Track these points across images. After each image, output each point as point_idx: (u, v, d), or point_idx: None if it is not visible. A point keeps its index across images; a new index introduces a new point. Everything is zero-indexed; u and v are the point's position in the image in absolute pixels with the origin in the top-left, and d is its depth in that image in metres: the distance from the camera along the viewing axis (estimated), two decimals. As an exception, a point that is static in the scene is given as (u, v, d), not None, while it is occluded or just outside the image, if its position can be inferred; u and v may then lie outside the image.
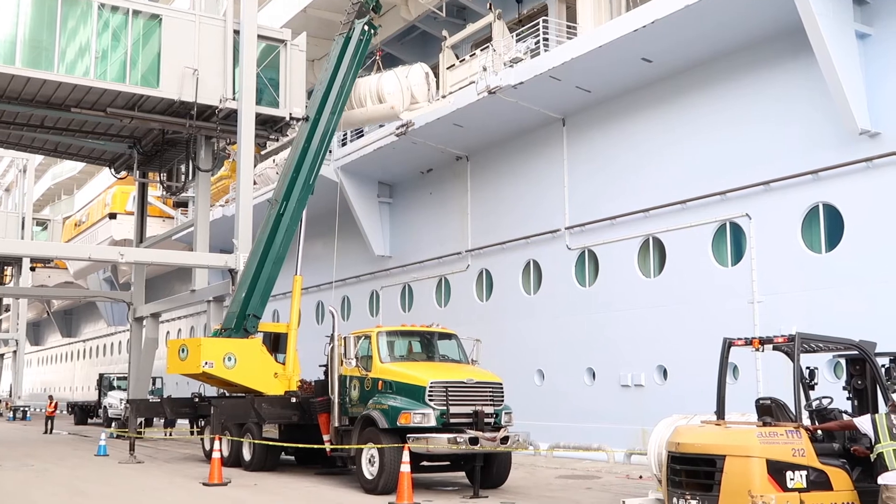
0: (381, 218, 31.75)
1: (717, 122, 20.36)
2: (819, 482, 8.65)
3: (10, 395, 58.67)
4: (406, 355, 17.23)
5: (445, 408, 15.25)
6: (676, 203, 21.01)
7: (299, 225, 22.64)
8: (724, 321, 18.63)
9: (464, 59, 27.31)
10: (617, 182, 22.82)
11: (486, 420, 15.49)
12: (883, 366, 10.24)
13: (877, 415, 8.99)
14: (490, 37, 26.22)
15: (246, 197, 25.49)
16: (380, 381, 16.16)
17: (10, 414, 52.90)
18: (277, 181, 23.95)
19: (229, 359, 20.83)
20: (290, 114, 26.58)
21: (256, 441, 19.68)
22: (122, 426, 29.97)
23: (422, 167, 29.79)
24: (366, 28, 23.45)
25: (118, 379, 42.45)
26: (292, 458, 20.94)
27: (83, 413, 45.90)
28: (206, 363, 20.61)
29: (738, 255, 19.80)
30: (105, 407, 40.44)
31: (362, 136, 29.62)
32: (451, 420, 15.28)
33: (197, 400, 23.77)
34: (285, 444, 19.23)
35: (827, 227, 18.09)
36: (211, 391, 24.92)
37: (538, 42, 23.80)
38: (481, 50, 25.80)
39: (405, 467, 14.08)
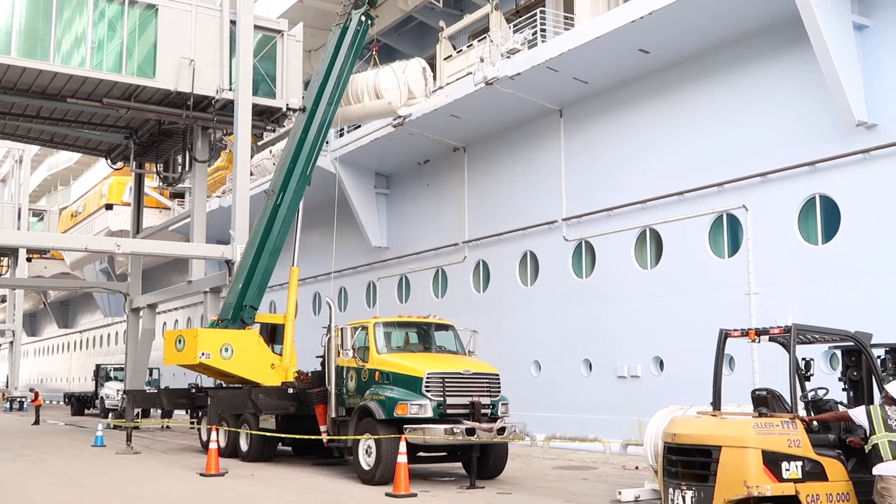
0: (378, 209, 31.74)
1: (715, 114, 20.35)
2: (814, 473, 8.68)
3: (7, 386, 58.64)
4: (403, 346, 17.25)
5: (442, 398, 15.28)
6: (673, 194, 21.02)
7: (296, 216, 22.63)
8: (721, 312, 18.66)
9: (461, 50, 27.29)
10: (614, 173, 22.82)
11: (483, 411, 15.52)
12: (878, 357, 10.28)
13: (872, 406, 9.02)
14: (487, 27, 26.19)
15: (243, 188, 25.47)
16: (377, 372, 16.18)
17: (7, 405, 52.90)
18: (274, 172, 23.92)
19: (226, 350, 20.85)
20: (287, 104, 26.53)
21: (253, 432, 19.70)
22: (119, 417, 29.97)
23: (419, 158, 29.78)
24: (363, 18, 23.40)
25: (115, 370, 42.47)
26: (289, 448, 20.98)
27: (80, 404, 45.92)
28: (202, 354, 20.64)
29: (734, 246, 19.82)
30: (102, 398, 40.45)
31: (359, 126, 29.57)
32: (448, 411, 15.31)
33: (194, 391, 23.80)
34: (282, 435, 19.27)
35: (823, 218, 18.11)
36: (207, 382, 24.95)
37: (535, 33, 23.77)
38: (478, 41, 25.76)
39: (402, 458, 14.10)
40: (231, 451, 20.31)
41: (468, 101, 25.00)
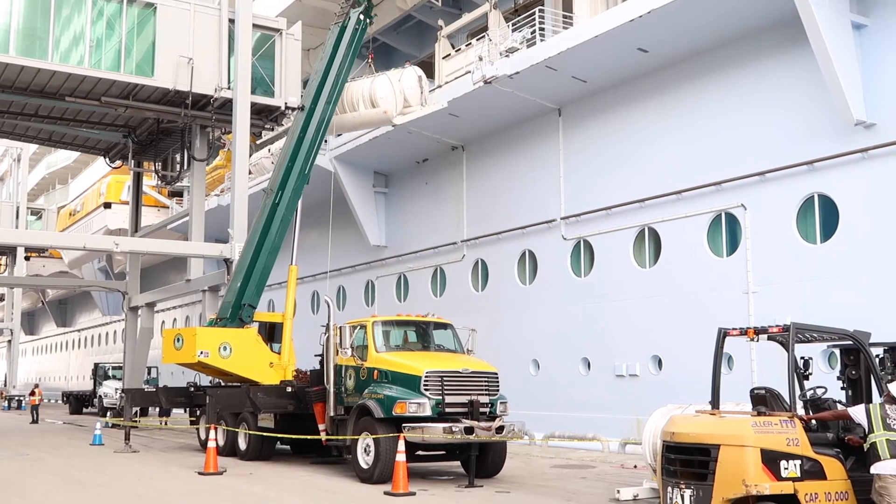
0: (377, 208, 31.73)
1: (713, 113, 20.36)
2: (813, 471, 8.68)
3: (5, 385, 58.62)
4: (402, 345, 17.24)
5: (441, 397, 15.28)
6: (672, 193, 21.02)
7: (295, 215, 22.62)
8: (719, 311, 18.68)
9: (460, 49, 27.28)
10: (612, 172, 22.83)
11: (482, 410, 15.52)
12: (877, 356, 10.28)
13: (871, 405, 9.02)
14: (486, 26, 26.19)
15: (241, 186, 25.46)
16: (375, 371, 16.18)
17: (5, 403, 52.88)
18: (273, 171, 23.90)
19: (225, 348, 20.84)
20: (286, 103, 26.53)
21: (252, 431, 19.69)
22: (118, 415, 29.97)
23: (417, 157, 29.77)
24: (361, 17, 23.36)
25: (113, 368, 42.49)
26: (288, 447, 20.97)
27: (78, 402, 45.91)
28: (201, 353, 20.63)
29: (733, 245, 19.82)
30: (100, 396, 40.47)
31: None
32: (447, 409, 15.31)
33: (192, 389, 23.79)
34: (281, 434, 19.26)
35: (822, 217, 18.12)
36: (206, 381, 24.93)
37: (534, 32, 23.76)
38: (477, 39, 25.76)
39: (400, 456, 14.10)
40: (229, 449, 20.30)
41: (467, 100, 24.99)
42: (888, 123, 16.89)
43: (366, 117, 24.47)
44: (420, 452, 15.97)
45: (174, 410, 31.13)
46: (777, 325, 9.60)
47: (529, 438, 22.02)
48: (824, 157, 17.85)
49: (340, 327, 17.02)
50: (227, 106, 26.00)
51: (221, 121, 26.61)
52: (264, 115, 27.15)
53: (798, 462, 8.63)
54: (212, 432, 18.06)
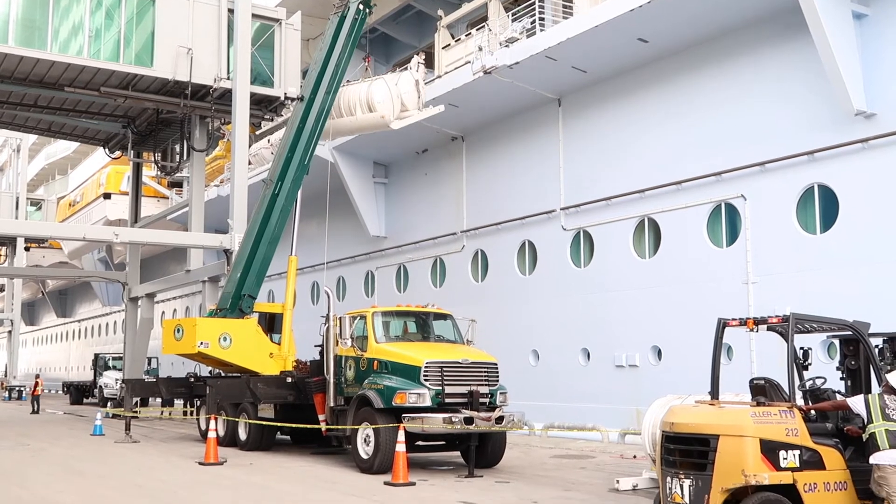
0: (377, 198, 31.71)
1: (713, 103, 20.33)
2: (812, 461, 8.69)
3: (6, 376, 58.70)
4: (401, 335, 17.26)
5: (441, 388, 15.30)
6: (672, 184, 21.01)
7: (294, 205, 22.61)
8: (719, 302, 18.68)
9: (459, 39, 27.23)
10: (612, 162, 22.81)
11: (482, 400, 15.53)
12: (876, 346, 10.29)
13: (870, 395, 9.03)
14: (486, 16, 26.13)
15: (241, 177, 25.44)
16: (375, 361, 16.19)
17: (6, 394, 52.95)
18: (272, 161, 23.89)
19: (225, 339, 20.86)
20: (285, 93, 26.48)
21: (252, 421, 19.72)
22: (118, 406, 30.02)
23: (417, 147, 29.74)
24: (361, 7, 23.34)
25: (113, 359, 42.51)
26: (288, 437, 21.01)
27: (78, 393, 45.96)
28: (201, 343, 20.66)
29: (732, 235, 19.82)
30: (100, 387, 40.51)
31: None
32: (447, 400, 15.33)
33: (192, 380, 23.82)
34: (281, 424, 19.29)
35: (822, 208, 18.11)
36: (205, 371, 24.96)
37: (534, 22, 23.72)
38: (477, 29, 25.71)
39: (400, 447, 14.12)
40: (230, 440, 20.34)
41: (466, 90, 24.96)
42: (888, 114, 16.86)
43: (363, 122, 24.41)
44: (420, 443, 15.99)
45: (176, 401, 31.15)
46: (776, 316, 9.60)
47: (529, 429, 21.99)
48: (824, 147, 17.83)
49: (340, 318, 17.03)
50: (226, 96, 25.96)
51: (221, 111, 26.56)
52: (264, 106, 27.11)
53: (797, 452, 8.64)
54: (212, 422, 18.09)
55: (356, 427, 15.91)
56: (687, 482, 8.80)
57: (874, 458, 8.57)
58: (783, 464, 8.55)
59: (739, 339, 17.45)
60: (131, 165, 34.48)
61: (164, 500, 12.78)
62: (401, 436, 14.28)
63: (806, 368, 10.17)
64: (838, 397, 9.77)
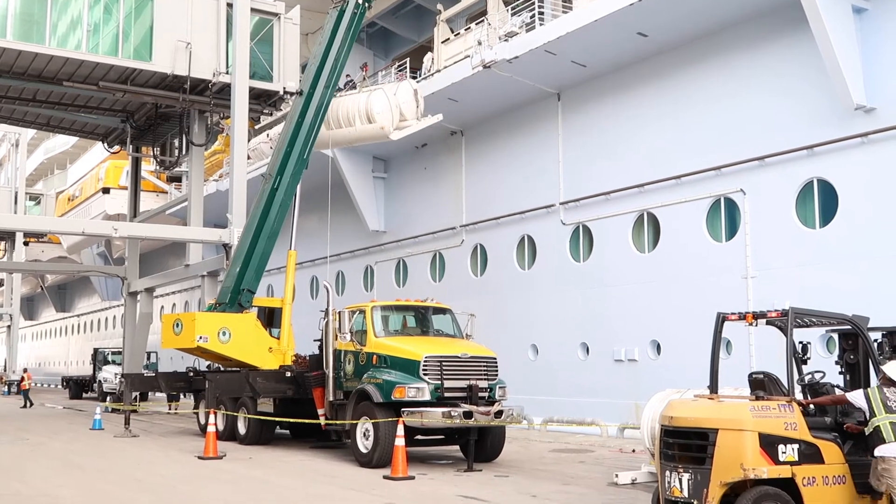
0: (376, 193, 31.69)
1: (713, 97, 20.31)
2: (811, 455, 8.69)
3: (5, 370, 58.71)
4: (401, 330, 17.27)
5: (440, 382, 15.31)
6: (671, 178, 21.00)
7: (294, 200, 22.60)
8: (718, 296, 18.69)
9: (459, 33, 27.19)
10: (612, 157, 22.79)
11: (481, 394, 15.53)
12: (875, 340, 10.29)
13: (870, 389, 9.02)
14: (485, 10, 26.08)
15: (240, 171, 25.42)
16: (374, 356, 16.20)
17: (5, 388, 52.96)
18: (271, 156, 23.86)
19: (224, 333, 20.86)
20: (284, 88, 26.46)
21: (251, 415, 19.74)
22: (117, 400, 30.03)
23: (416, 142, 29.68)
24: (360, 1, 23.26)
25: (113, 353, 42.53)
26: (287, 432, 21.03)
27: (78, 387, 45.99)
28: (200, 338, 20.66)
29: (732, 230, 19.82)
30: (100, 381, 40.55)
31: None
32: (446, 394, 15.34)
33: (191, 374, 23.84)
34: (280, 419, 19.31)
35: (821, 202, 18.11)
36: (203, 365, 24.96)
37: (533, 16, 23.68)
38: (476, 24, 25.68)
39: (399, 441, 14.14)
40: (229, 434, 20.35)
41: (466, 85, 24.93)
42: (888, 108, 16.85)
43: (362, 132, 24.35)
44: (419, 437, 16.02)
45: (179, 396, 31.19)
46: (776, 310, 9.60)
47: (528, 423, 22.13)
48: (824, 141, 17.83)
49: (339, 312, 17.03)
50: (225, 91, 25.93)
51: (220, 106, 26.55)
52: (263, 100, 27.09)
53: (796, 446, 8.64)
54: (211, 417, 18.10)
55: (355, 421, 15.93)
56: (686, 476, 8.81)
57: (879, 451, 8.55)
58: (782, 458, 8.56)
59: (738, 334, 17.46)
60: (130, 160, 34.44)
61: (164, 494, 12.78)
62: (400, 430, 14.29)
63: (805, 363, 10.17)
64: (837, 391, 9.77)
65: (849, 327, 10.02)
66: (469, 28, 26.41)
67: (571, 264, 23.86)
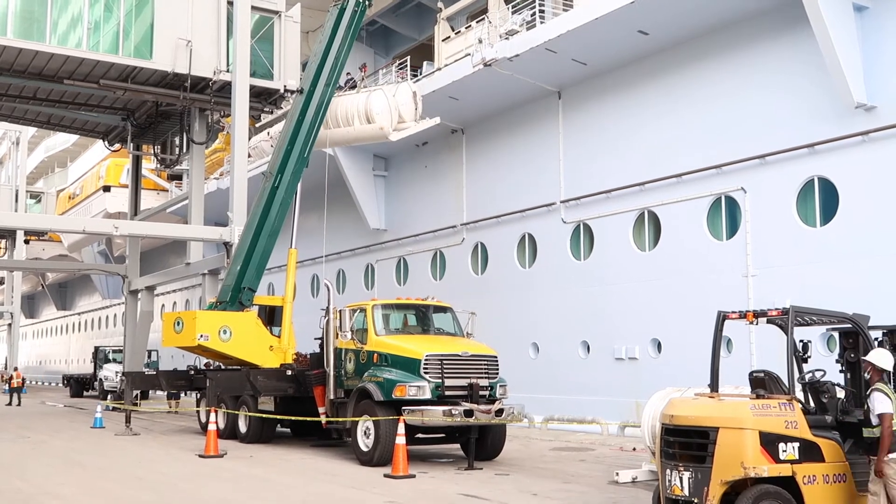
0: (377, 191, 31.69)
1: (713, 95, 20.31)
2: (811, 454, 8.70)
3: (6, 368, 58.75)
4: (401, 328, 17.28)
5: (440, 380, 15.32)
6: (672, 176, 20.99)
7: (294, 198, 22.60)
8: (719, 295, 18.68)
9: (459, 31, 27.17)
10: (612, 155, 22.79)
11: (481, 393, 15.54)
12: (876, 339, 10.28)
13: (878, 391, 8.80)
14: (486, 8, 26.06)
15: (240, 170, 25.42)
16: (375, 354, 16.20)
17: (6, 386, 52.96)
18: (272, 154, 23.86)
19: (224, 332, 20.87)
20: (285, 86, 26.45)
21: (252, 413, 19.75)
22: (118, 399, 30.04)
23: (417, 140, 29.66)
24: (361, -1, 23.29)
25: (113, 352, 42.54)
26: (288, 430, 21.04)
27: (79, 386, 46.01)
28: (201, 336, 20.66)
29: (732, 228, 19.81)
30: (101, 379, 40.56)
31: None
32: (447, 393, 15.34)
33: (192, 372, 23.84)
34: (281, 417, 19.31)
35: (822, 200, 18.10)
36: (204, 363, 24.96)
37: (534, 14, 23.68)
38: (477, 22, 25.66)
39: (400, 439, 14.15)
40: (230, 432, 20.37)
41: (466, 83, 24.92)
42: (889, 106, 16.84)
43: (361, 132, 24.37)
44: (420, 435, 16.02)
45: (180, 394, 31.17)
46: (776, 309, 9.60)
47: (529, 421, 22.13)
48: (824, 140, 17.82)
49: (340, 311, 17.04)
50: (225, 89, 25.93)
51: (220, 104, 26.55)
52: (263, 98, 27.08)
53: (796, 444, 8.64)
54: (212, 415, 18.11)
55: (356, 419, 15.94)
56: (686, 474, 8.81)
57: None
58: (782, 456, 8.56)
59: (739, 332, 17.45)
60: (131, 158, 34.46)
61: (165, 492, 12.79)
62: (401, 428, 14.30)
63: (805, 361, 10.16)
64: (838, 390, 9.75)
65: (849, 326, 10.01)
66: (470, 26, 26.39)
67: (572, 262, 23.86)
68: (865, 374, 9.10)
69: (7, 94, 27.78)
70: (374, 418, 15.35)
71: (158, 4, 24.95)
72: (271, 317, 22.61)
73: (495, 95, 25.36)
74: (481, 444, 15.88)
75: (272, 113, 28.77)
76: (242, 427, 20.24)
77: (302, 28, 27.94)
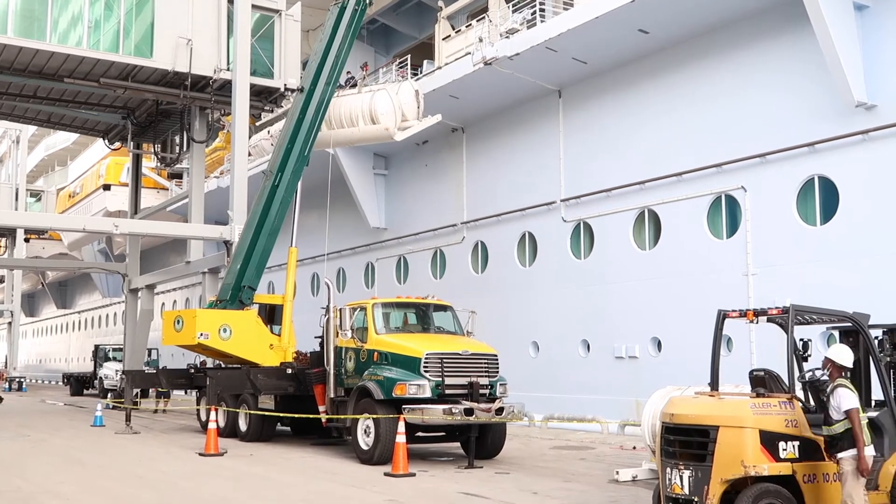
0: (377, 190, 31.69)
1: (714, 94, 20.30)
2: (811, 452, 8.71)
3: (6, 367, 58.76)
4: (401, 327, 17.29)
5: (441, 379, 15.32)
6: (672, 175, 20.99)
7: (294, 197, 22.60)
8: (719, 293, 18.68)
9: (460, 30, 27.17)
10: (613, 154, 22.79)
11: (482, 391, 15.55)
12: (876, 338, 10.29)
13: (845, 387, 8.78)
14: (486, 7, 26.06)
15: (241, 168, 25.40)
16: (375, 353, 16.21)
17: (6, 385, 52.99)
18: (272, 153, 23.86)
19: (225, 330, 20.87)
20: (285, 84, 26.43)
21: (252, 412, 19.75)
22: (118, 397, 30.04)
23: (417, 139, 29.64)
24: (361, -3, 23.28)
25: (114, 350, 42.55)
26: (288, 428, 21.04)
27: (79, 384, 46.01)
28: (201, 334, 20.67)
29: (732, 227, 19.81)
30: (101, 378, 40.55)
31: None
32: (447, 391, 15.35)
33: (192, 371, 23.85)
34: (281, 415, 19.32)
35: (822, 199, 18.10)
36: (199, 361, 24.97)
37: (534, 13, 23.67)
38: (477, 21, 25.66)
39: (400, 438, 14.15)
40: (230, 431, 20.37)
41: (467, 82, 24.92)
42: (889, 105, 16.84)
43: (366, 133, 24.35)
44: (420, 434, 16.03)
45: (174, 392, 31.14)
46: (776, 307, 9.60)
47: (529, 420, 22.14)
48: (825, 138, 17.82)
49: (340, 309, 17.04)
50: (226, 87, 25.91)
51: (221, 102, 26.53)
52: (263, 97, 27.07)
53: (796, 443, 8.65)
54: (212, 414, 18.11)
55: (356, 418, 15.94)
56: (686, 473, 8.82)
57: None
58: (782, 455, 8.57)
59: (739, 331, 17.40)
60: (131, 156, 34.45)
61: (165, 490, 12.80)
62: (401, 427, 14.30)
63: (805, 360, 10.17)
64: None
65: (849, 325, 10.02)
66: (470, 25, 26.39)
67: (572, 261, 23.86)
68: (825, 371, 9.06)
69: (7, 93, 27.77)
70: (374, 417, 15.36)
71: (159, 3, 24.93)
72: (271, 315, 22.61)
73: (495, 94, 25.36)
74: (481, 443, 15.88)
75: (272, 111, 28.76)
76: (243, 425, 20.25)
77: (302, 27, 27.92)
